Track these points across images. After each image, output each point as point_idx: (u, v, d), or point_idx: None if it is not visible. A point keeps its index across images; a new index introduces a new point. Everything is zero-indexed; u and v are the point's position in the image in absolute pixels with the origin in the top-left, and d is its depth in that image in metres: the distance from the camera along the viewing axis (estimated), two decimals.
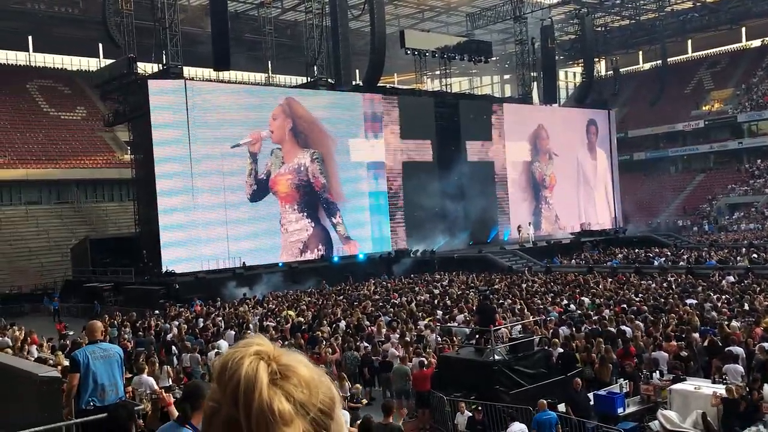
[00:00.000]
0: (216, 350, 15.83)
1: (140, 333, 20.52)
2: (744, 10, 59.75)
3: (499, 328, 14.92)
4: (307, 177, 36.91)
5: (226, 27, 34.91)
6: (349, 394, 12.70)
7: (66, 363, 12.24)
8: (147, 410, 7.83)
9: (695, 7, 61.38)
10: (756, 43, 67.70)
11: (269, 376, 1.07)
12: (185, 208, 31.99)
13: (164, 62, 34.43)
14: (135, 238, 35.62)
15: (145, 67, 37.04)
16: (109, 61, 41.56)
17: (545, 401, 10.54)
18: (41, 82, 52.28)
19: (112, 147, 49.25)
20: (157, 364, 13.63)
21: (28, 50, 55.15)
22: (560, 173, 49.96)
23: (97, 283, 33.50)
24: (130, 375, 11.61)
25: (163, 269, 30.95)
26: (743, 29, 67.61)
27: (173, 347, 17.76)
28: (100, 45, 53.27)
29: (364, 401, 12.41)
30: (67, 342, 16.56)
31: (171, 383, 12.96)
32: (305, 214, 36.71)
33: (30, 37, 54.78)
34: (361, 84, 43.62)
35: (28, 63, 54.76)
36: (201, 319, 22.05)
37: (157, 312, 24.76)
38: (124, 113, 36.38)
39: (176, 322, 21.40)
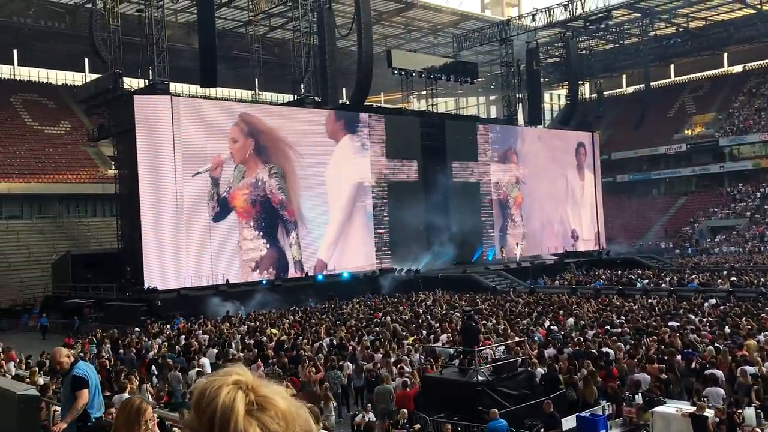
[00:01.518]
0: (197, 369, 15.64)
1: (121, 350, 20.28)
2: (726, 36, 60.78)
3: (483, 349, 14.90)
4: (264, 192, 35.80)
5: (214, 44, 34.93)
6: (373, 417, 12.32)
7: (42, 381, 12.08)
8: None
9: (678, 33, 62.39)
10: (737, 68, 68.93)
11: (246, 407, 1.09)
12: (169, 224, 31.77)
13: (151, 78, 34.33)
14: (117, 254, 35.30)
15: (131, 83, 36.92)
16: (94, 76, 41.43)
17: (496, 410, 10.98)
18: (25, 96, 51.90)
19: (96, 162, 48.92)
20: (137, 382, 13.45)
21: (13, 64, 54.85)
22: (546, 193, 50.22)
23: (77, 299, 33.10)
24: (110, 393, 11.45)
25: (146, 286, 30.68)
26: (725, 55, 68.84)
27: (154, 365, 17.56)
28: (86, 60, 53.22)
29: (417, 426, 12.01)
30: (45, 359, 16.25)
31: (151, 401, 12.78)
32: (261, 232, 35.54)
33: (15, 51, 54.52)
34: (347, 102, 43.81)
35: (12, 77, 54.35)
36: (183, 337, 21.84)
37: (137, 329, 24.48)
38: (109, 128, 36.21)
39: (158, 340, 21.18)
